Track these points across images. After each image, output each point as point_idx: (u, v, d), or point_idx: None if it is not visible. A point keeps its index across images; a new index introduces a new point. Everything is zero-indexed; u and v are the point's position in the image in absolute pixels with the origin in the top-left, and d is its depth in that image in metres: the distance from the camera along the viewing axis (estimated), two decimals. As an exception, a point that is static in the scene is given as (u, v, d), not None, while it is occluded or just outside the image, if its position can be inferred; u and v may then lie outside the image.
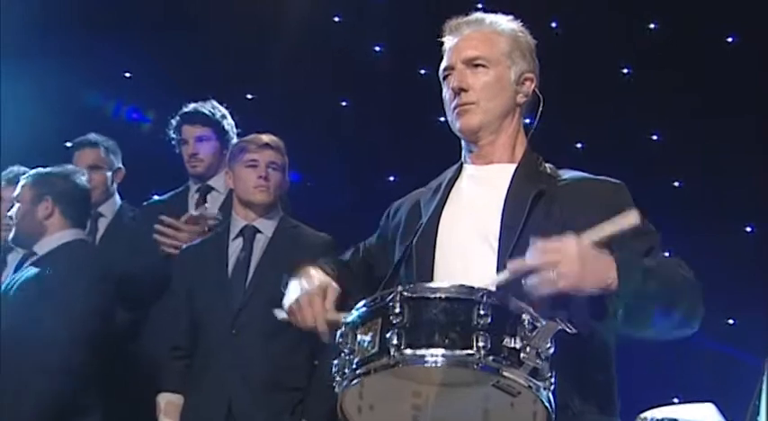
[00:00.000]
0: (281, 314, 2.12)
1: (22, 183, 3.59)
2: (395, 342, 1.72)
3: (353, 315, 1.84)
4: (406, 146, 4.84)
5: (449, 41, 2.26)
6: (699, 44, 4.80)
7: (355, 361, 1.79)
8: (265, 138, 3.58)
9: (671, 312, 1.99)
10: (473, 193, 2.22)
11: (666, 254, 2.13)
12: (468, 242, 2.14)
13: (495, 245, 2.09)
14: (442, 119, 2.28)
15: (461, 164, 2.29)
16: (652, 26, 5.06)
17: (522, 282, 1.88)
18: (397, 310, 1.74)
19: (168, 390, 3.43)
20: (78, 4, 4.91)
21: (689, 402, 3.49)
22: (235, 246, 3.50)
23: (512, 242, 2.06)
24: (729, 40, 4.98)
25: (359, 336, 1.80)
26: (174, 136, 4.02)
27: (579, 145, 4.95)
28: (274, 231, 3.52)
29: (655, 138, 5.01)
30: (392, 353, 1.72)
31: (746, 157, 4.66)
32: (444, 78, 2.25)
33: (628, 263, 1.93)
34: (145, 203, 4.15)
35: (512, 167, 2.21)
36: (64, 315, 3.29)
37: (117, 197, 4.18)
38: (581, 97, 4.70)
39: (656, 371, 4.31)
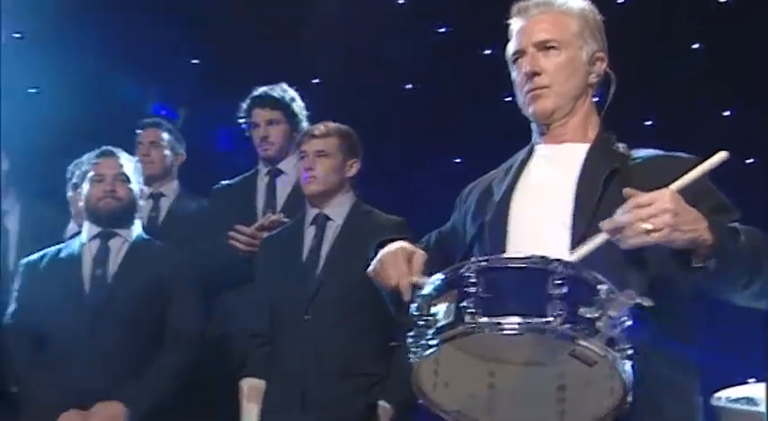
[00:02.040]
0: (369, 271, 2.16)
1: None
2: (471, 310, 1.74)
3: (429, 288, 1.86)
4: (472, 128, 4.84)
5: (516, 23, 2.26)
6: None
7: (430, 331, 1.81)
8: (317, 127, 3.62)
9: (755, 276, 1.99)
10: (545, 173, 2.24)
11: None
12: (540, 221, 2.16)
13: (569, 224, 2.10)
14: (508, 99, 2.30)
15: (533, 145, 2.30)
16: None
17: (613, 239, 1.90)
18: (473, 280, 1.76)
19: (251, 376, 3.51)
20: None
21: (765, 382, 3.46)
22: (309, 235, 3.56)
23: (586, 221, 2.07)
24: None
25: (434, 308, 1.82)
26: (244, 119, 4.08)
27: (649, 122, 4.91)
28: (346, 218, 3.56)
29: (727, 114, 4.95)
30: (467, 321, 1.74)
31: (822, 133, 4.58)
32: (514, 61, 2.26)
33: (718, 219, 1.95)
34: (215, 187, 4.20)
35: (585, 147, 2.22)
36: None
37: (177, 181, 4.29)
38: (650, 74, 4.65)
39: (731, 352, 4.27)
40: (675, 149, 2.23)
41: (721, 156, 1.95)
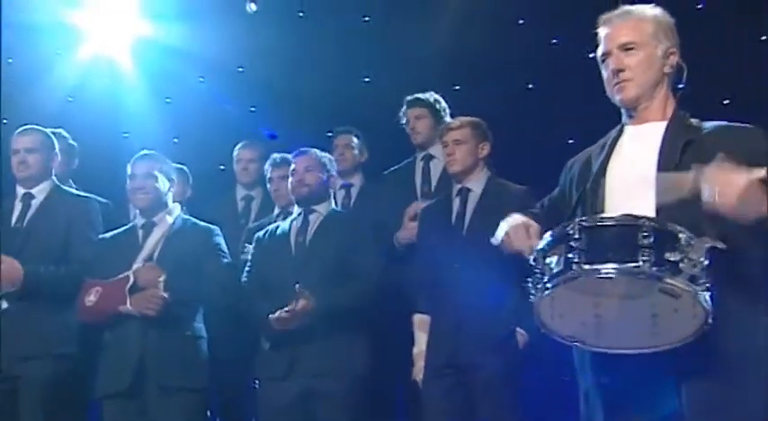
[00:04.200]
0: (495, 241, 2.14)
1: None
2: (576, 260, 1.73)
3: (542, 243, 1.86)
4: (581, 115, 4.69)
5: (603, 31, 2.19)
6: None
7: (546, 277, 1.80)
8: (452, 122, 3.61)
9: None
10: (633, 147, 2.17)
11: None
12: (630, 185, 2.09)
13: (654, 185, 2.02)
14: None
15: (622, 125, 2.23)
16: (788, 0, 4.64)
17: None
18: (576, 236, 1.75)
19: (421, 312, 3.53)
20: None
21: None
22: (455, 204, 3.54)
23: None
24: None
25: (547, 259, 1.81)
26: (402, 118, 4.11)
27: (726, 101, 4.62)
28: (483, 189, 3.53)
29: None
30: (574, 269, 1.73)
31: None
32: (603, 61, 2.19)
33: None
34: (385, 172, 4.24)
35: (663, 124, 2.14)
36: None
37: (362, 174, 4.31)
38: (727, 63, 4.39)
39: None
40: (747, 122, 2.12)
41: None
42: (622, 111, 2.22)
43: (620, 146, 2.19)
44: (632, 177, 2.10)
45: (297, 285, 3.37)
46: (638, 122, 2.19)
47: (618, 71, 2.13)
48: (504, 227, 2.10)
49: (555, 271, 1.78)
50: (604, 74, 2.20)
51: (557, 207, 2.28)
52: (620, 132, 2.22)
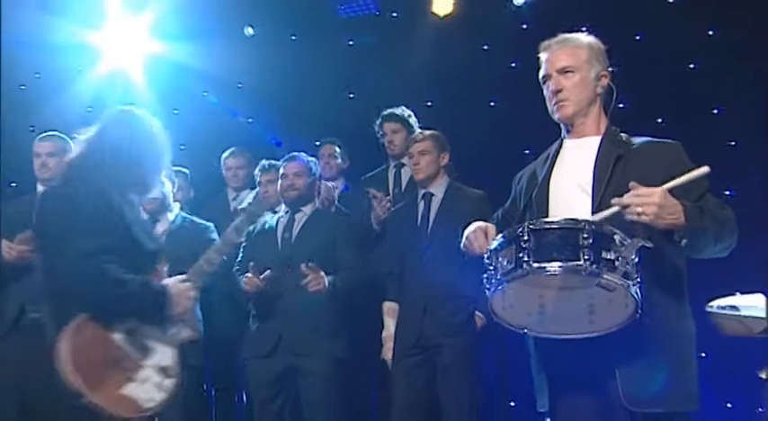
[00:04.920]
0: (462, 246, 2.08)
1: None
2: (525, 259, 1.69)
3: (495, 244, 1.82)
4: (537, 129, 4.64)
5: (544, 56, 2.15)
6: (751, 44, 4.34)
7: (498, 274, 1.76)
8: (417, 135, 3.56)
9: (718, 240, 1.88)
10: (572, 159, 2.13)
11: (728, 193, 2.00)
12: (570, 193, 2.06)
13: (590, 194, 2.00)
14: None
15: (562, 139, 2.20)
16: (711, 32, 4.62)
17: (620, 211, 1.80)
18: (526, 238, 1.71)
19: (389, 300, 3.47)
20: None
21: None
22: (420, 206, 3.49)
23: (601, 191, 1.98)
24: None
25: (500, 258, 1.78)
26: (378, 130, 4.04)
27: (660, 119, 4.60)
28: (444, 193, 3.48)
29: (715, 111, 4.60)
30: (524, 267, 1.69)
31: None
32: (544, 83, 2.16)
33: (691, 206, 1.84)
34: (362, 178, 4.16)
35: (598, 139, 2.11)
36: None
37: (343, 178, 4.23)
38: (661, 87, 4.38)
39: (719, 275, 3.98)
40: (679, 137, 2.10)
41: (704, 169, 1.87)
42: (562, 126, 2.18)
43: (561, 158, 2.16)
44: (572, 186, 2.07)
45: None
46: (575, 137, 2.15)
47: (557, 91, 2.10)
48: (466, 233, 2.05)
49: (507, 268, 1.74)
50: (546, 93, 2.16)
51: (510, 215, 2.24)
52: (561, 146, 2.19)
